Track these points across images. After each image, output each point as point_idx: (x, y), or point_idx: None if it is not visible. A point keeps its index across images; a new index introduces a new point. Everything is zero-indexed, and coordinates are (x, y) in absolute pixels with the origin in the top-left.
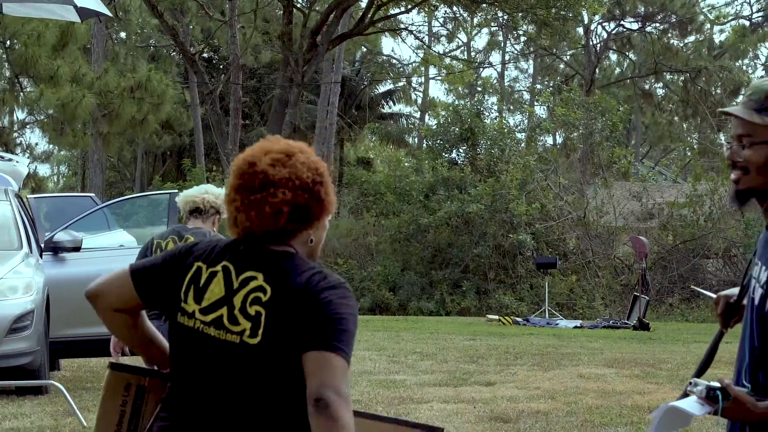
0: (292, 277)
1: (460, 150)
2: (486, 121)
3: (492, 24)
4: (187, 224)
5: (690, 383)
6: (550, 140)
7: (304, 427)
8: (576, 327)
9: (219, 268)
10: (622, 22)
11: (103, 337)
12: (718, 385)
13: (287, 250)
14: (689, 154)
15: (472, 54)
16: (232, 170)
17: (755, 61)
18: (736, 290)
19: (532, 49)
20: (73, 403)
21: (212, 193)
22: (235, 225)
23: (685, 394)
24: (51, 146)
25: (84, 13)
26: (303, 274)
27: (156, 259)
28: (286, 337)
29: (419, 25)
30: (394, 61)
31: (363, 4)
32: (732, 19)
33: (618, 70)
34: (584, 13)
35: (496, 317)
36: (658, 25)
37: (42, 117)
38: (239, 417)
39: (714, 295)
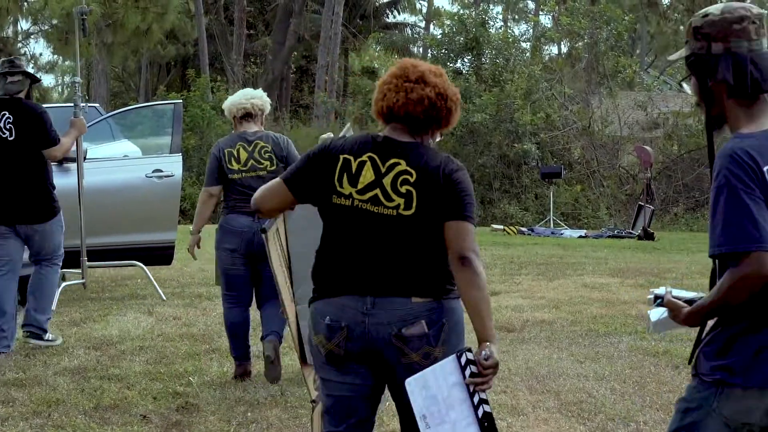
0: (429, 162)
1: (465, 60)
2: (491, 30)
3: None
4: (239, 129)
5: (651, 292)
6: (555, 50)
7: (438, 274)
8: (581, 236)
9: (365, 158)
10: None
11: (106, 248)
12: (662, 292)
13: (416, 141)
14: None
15: None
16: (394, 67)
17: None
18: None
19: None
20: (153, 280)
21: (256, 96)
22: (382, 101)
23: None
24: (55, 56)
25: None
26: (435, 159)
27: (298, 164)
28: (431, 209)
29: None
30: None
31: None
32: None
33: None
34: None
35: (501, 227)
36: None
37: (46, 27)
38: (394, 270)
39: None
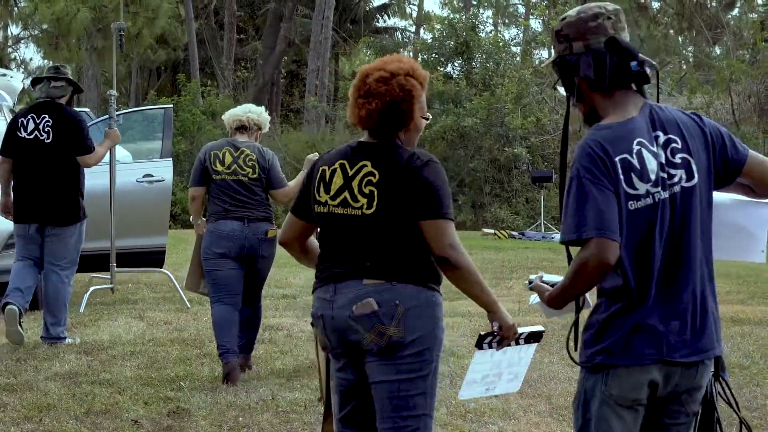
0: (393, 161)
1: (456, 64)
2: (481, 34)
3: None
4: (233, 137)
5: (527, 278)
6: (545, 54)
7: (393, 259)
8: None
9: (337, 165)
10: None
11: (99, 253)
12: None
13: (386, 141)
14: (684, 67)
15: None
16: (356, 76)
17: None
18: None
19: None
20: (179, 287)
21: (254, 112)
22: (350, 116)
23: None
24: (46, 61)
25: None
26: (400, 157)
27: (298, 193)
28: (395, 207)
29: None
30: None
31: None
32: None
33: None
34: None
35: (492, 231)
36: None
37: (36, 32)
38: (353, 259)
39: None
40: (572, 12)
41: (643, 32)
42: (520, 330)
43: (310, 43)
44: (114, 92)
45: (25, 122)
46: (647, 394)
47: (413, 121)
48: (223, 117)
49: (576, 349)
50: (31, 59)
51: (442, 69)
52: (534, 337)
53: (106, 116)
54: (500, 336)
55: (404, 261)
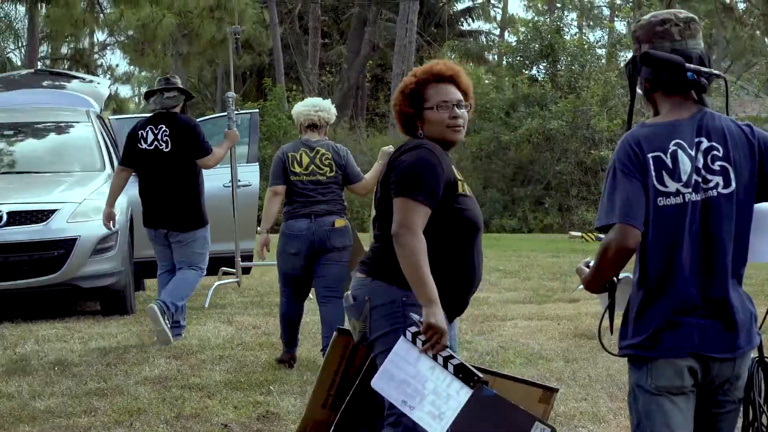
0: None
1: (541, 66)
2: (566, 37)
3: None
4: (305, 136)
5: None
6: (630, 56)
7: (378, 255)
8: None
9: None
10: None
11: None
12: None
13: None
14: None
15: None
16: None
17: None
18: None
19: None
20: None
21: (323, 109)
22: None
23: None
24: (132, 67)
25: None
26: (403, 144)
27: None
28: (385, 190)
29: None
30: None
31: None
32: None
33: None
34: None
35: (579, 234)
36: None
37: (122, 38)
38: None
39: None
40: (647, 15)
41: (729, 34)
42: (451, 352)
43: (394, 47)
44: (233, 94)
45: (144, 134)
46: (692, 382)
47: (407, 115)
48: (292, 112)
49: (601, 335)
50: (117, 65)
51: (527, 72)
52: (465, 375)
53: (222, 114)
54: (423, 333)
55: (387, 256)
